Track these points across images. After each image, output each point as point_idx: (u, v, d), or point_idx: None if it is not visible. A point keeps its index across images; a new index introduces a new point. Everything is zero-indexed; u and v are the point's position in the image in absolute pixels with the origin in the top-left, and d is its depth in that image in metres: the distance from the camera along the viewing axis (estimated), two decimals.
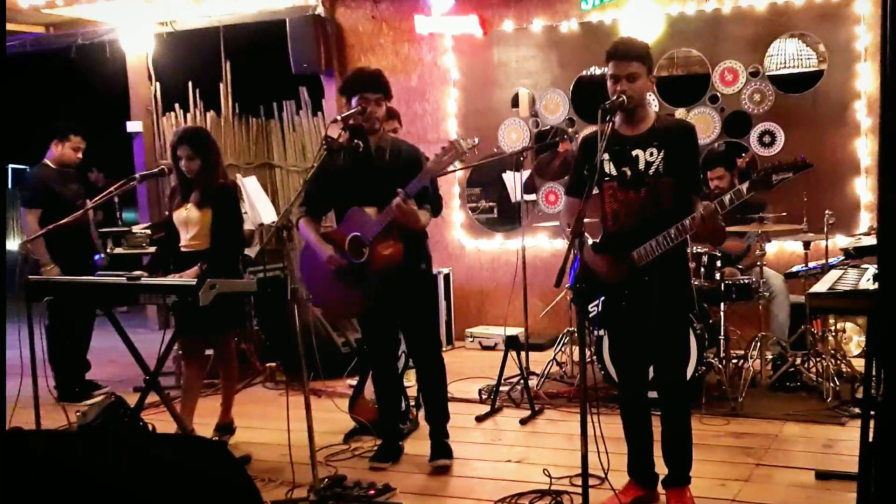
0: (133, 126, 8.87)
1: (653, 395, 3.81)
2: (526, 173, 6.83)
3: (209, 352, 5.03)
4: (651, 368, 3.84)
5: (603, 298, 3.67)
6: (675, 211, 3.55)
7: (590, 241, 3.70)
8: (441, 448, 4.43)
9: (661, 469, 3.82)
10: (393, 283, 4.22)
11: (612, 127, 3.54)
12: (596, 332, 4.97)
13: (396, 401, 4.72)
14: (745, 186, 3.43)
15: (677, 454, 3.73)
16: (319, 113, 8.45)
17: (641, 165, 3.60)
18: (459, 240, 7.84)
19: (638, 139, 3.61)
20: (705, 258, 5.30)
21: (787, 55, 6.65)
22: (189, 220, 4.66)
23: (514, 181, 7.20)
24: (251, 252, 6.27)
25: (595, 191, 3.57)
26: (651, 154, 3.58)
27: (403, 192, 4.03)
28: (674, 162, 3.57)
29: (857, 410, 4.76)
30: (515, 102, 7.54)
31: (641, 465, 3.83)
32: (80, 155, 6.14)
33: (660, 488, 3.80)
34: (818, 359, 5.36)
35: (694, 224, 3.46)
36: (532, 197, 7.48)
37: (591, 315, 3.75)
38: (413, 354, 4.61)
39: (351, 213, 4.26)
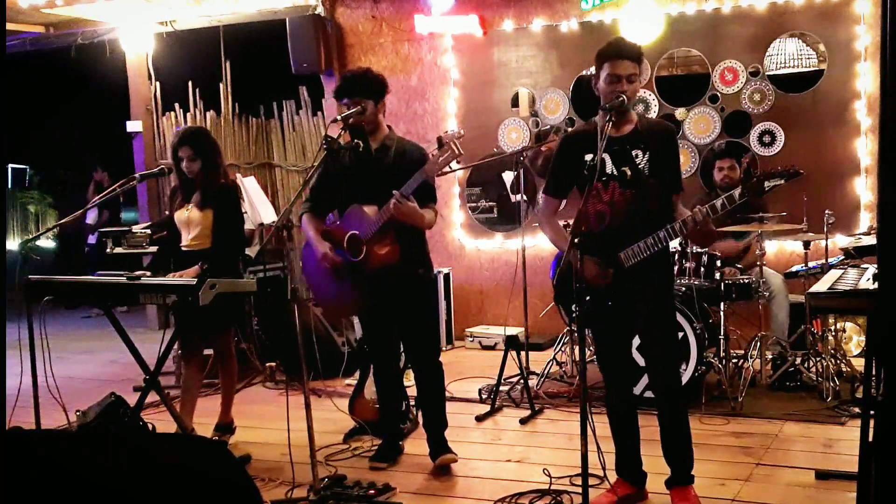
0: (133, 126, 8.87)
1: (649, 394, 3.81)
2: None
3: (208, 351, 5.03)
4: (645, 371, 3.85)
5: (588, 298, 3.67)
6: (660, 211, 3.58)
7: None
8: (442, 446, 4.41)
9: (653, 468, 3.83)
10: (390, 285, 4.22)
11: (598, 127, 3.56)
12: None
13: (397, 400, 4.72)
14: (737, 192, 3.45)
15: (678, 454, 3.73)
16: (319, 113, 8.45)
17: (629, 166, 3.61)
18: (459, 240, 7.84)
19: (624, 140, 3.63)
20: (705, 258, 5.31)
21: (787, 55, 6.65)
22: (190, 221, 4.66)
23: (516, 181, 7.22)
24: (251, 252, 6.27)
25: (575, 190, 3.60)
26: (636, 155, 3.59)
27: (399, 194, 4.02)
28: (658, 163, 3.59)
29: (857, 410, 4.76)
30: (515, 102, 7.54)
31: (629, 463, 3.84)
32: None
33: (661, 487, 3.80)
34: (818, 358, 5.36)
35: (685, 227, 3.48)
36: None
37: (574, 315, 3.76)
38: (411, 361, 4.59)
39: (350, 212, 4.26)
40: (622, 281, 3.59)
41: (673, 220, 3.56)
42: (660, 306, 3.68)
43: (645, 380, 4.53)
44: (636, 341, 3.90)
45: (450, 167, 4.16)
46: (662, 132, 3.70)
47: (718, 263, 5.32)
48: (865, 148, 6.49)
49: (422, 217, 4.17)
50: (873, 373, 2.99)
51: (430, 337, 4.58)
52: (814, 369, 5.39)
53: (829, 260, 5.51)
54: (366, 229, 4.16)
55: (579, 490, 3.33)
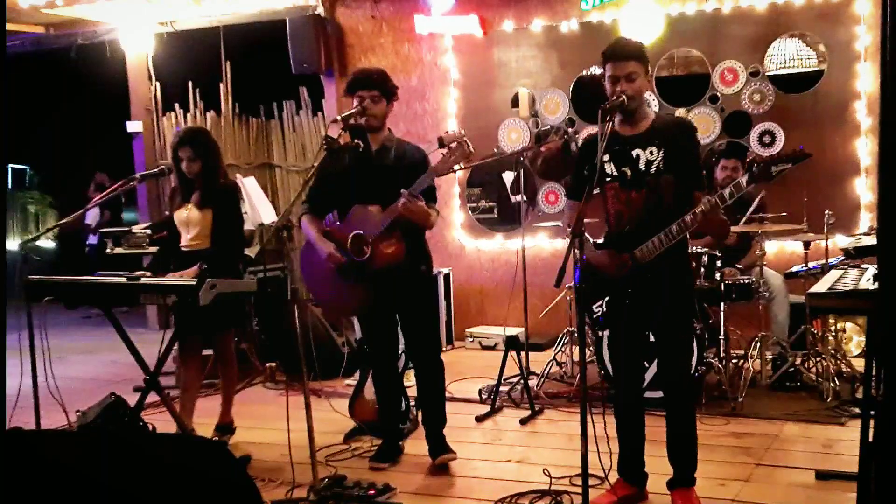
0: (133, 126, 8.87)
1: (653, 394, 3.81)
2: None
3: (208, 352, 5.03)
4: (655, 368, 3.84)
5: (607, 298, 3.68)
6: (678, 208, 3.56)
7: (590, 241, 3.71)
8: (441, 444, 4.42)
9: (653, 468, 3.83)
10: (393, 283, 4.23)
11: (612, 127, 3.55)
12: (601, 333, 4.95)
13: (396, 400, 4.72)
14: (744, 179, 3.45)
15: (683, 454, 3.73)
16: (319, 113, 8.45)
17: (642, 165, 3.61)
18: (459, 240, 7.84)
19: (638, 138, 3.63)
20: (705, 258, 5.30)
21: (787, 55, 6.65)
22: (190, 221, 4.66)
23: (516, 181, 7.21)
24: (251, 252, 6.28)
25: (597, 191, 3.59)
26: (651, 153, 3.60)
27: (408, 192, 4.04)
28: (675, 159, 3.59)
29: (857, 410, 4.76)
30: (515, 102, 7.53)
31: (632, 464, 3.84)
32: None
33: (662, 488, 3.80)
34: (818, 359, 5.36)
35: (696, 219, 3.47)
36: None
37: (595, 316, 3.76)
38: (412, 358, 4.60)
39: (354, 212, 4.27)
40: (640, 278, 3.59)
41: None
42: (678, 303, 3.68)
43: (645, 379, 4.52)
44: None
45: (459, 166, 4.17)
46: (678, 128, 3.71)
47: (718, 264, 5.32)
48: (865, 148, 6.49)
49: (428, 216, 4.21)
50: (873, 373, 2.98)
51: (432, 334, 4.60)
52: (814, 369, 5.39)
53: (829, 260, 5.51)
54: (371, 229, 4.17)
55: (579, 490, 3.33)
